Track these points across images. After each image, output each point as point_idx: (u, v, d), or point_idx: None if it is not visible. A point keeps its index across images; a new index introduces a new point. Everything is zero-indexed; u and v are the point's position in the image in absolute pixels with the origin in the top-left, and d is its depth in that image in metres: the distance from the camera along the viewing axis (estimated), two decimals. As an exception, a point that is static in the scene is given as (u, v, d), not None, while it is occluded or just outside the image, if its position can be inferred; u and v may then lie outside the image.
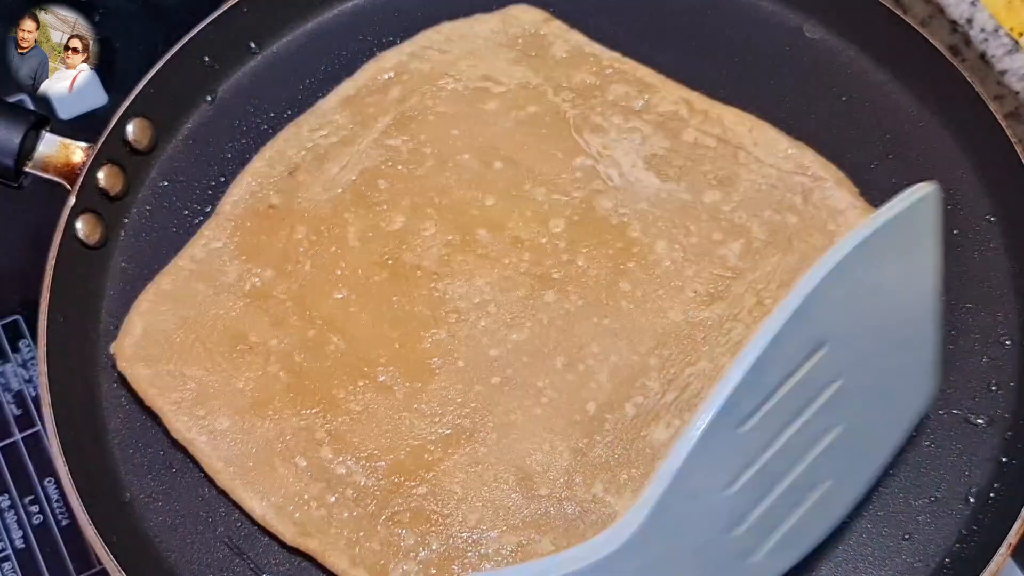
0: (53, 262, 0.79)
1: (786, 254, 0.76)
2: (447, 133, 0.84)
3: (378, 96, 0.86)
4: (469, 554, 0.69)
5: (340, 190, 0.82)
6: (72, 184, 0.81)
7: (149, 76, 0.86)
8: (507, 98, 0.85)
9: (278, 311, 0.77)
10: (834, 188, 0.78)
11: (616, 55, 0.86)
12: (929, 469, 0.73)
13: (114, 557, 0.70)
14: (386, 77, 0.87)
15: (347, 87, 0.87)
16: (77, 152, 0.82)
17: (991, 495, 0.72)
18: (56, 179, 0.82)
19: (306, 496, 0.71)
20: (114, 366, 0.78)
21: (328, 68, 0.90)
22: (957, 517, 0.71)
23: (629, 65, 0.85)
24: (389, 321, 0.77)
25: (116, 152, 0.84)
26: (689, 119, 0.82)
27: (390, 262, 0.79)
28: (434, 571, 0.69)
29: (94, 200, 0.83)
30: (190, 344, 0.77)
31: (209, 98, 0.90)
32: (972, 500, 0.72)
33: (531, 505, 0.71)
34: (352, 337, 0.76)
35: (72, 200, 0.81)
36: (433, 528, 0.70)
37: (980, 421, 0.74)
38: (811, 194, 0.78)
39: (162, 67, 0.86)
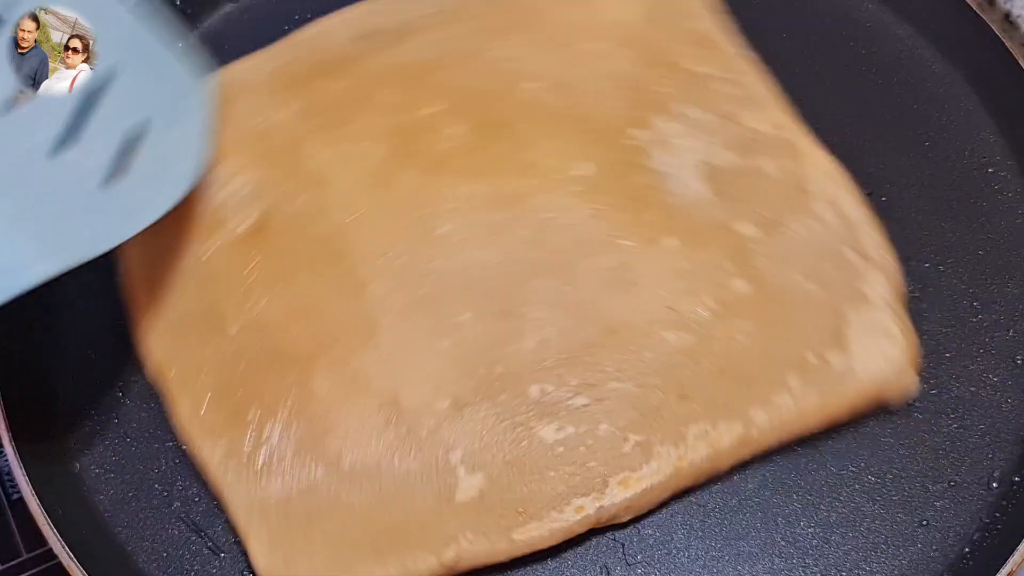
0: None
1: (785, 323, 0.68)
2: (531, 56, 0.78)
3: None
4: (299, 457, 0.66)
5: (400, 65, 0.78)
6: None
7: (116, 20, 0.81)
8: (610, 45, 0.78)
9: (270, 150, 0.75)
10: (878, 277, 0.69)
11: (745, 52, 0.79)
12: (949, 451, 0.68)
13: (58, 532, 0.65)
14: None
15: None
16: (27, 98, 0.78)
17: (1015, 480, 0.67)
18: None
19: (191, 336, 0.70)
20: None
21: (310, 18, 0.84)
22: (978, 503, 0.67)
23: (750, 67, 0.78)
24: (362, 191, 0.73)
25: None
26: (774, 147, 0.74)
27: (397, 138, 0.75)
28: (253, 466, 0.66)
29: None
30: None
31: (180, 45, 0.84)
32: (995, 485, 0.67)
33: (384, 436, 0.66)
34: (321, 196, 0.73)
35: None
36: (282, 419, 0.67)
37: (1005, 400, 0.69)
38: (849, 273, 0.69)
39: (131, 10, 0.81)
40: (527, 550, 0.64)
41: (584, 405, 0.66)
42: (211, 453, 0.67)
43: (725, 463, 0.66)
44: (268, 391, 0.68)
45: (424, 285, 0.69)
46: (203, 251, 0.72)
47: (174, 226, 0.73)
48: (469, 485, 0.64)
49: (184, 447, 0.69)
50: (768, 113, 0.76)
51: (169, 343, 0.70)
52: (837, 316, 0.68)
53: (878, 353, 0.67)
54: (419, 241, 0.71)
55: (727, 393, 0.66)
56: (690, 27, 0.80)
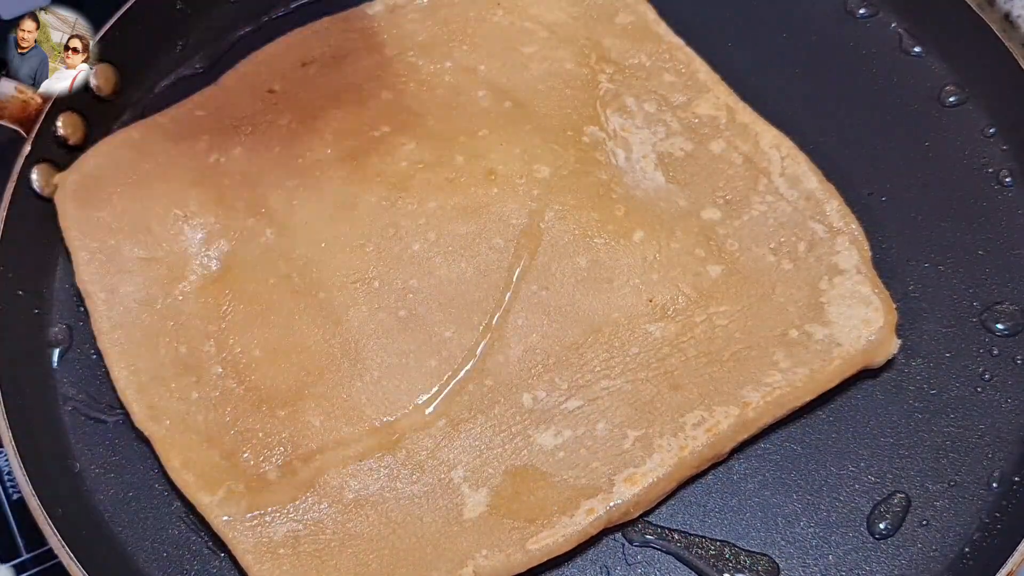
0: (4, 213, 0.74)
1: (763, 302, 0.69)
2: (473, 67, 0.79)
3: (422, 14, 0.82)
4: (301, 495, 0.65)
5: (342, 90, 0.78)
6: (28, 131, 0.77)
7: (114, 19, 0.81)
8: (548, 46, 0.79)
9: (228, 189, 0.75)
10: (846, 245, 0.70)
11: (679, 41, 0.79)
12: (949, 451, 0.67)
13: (58, 531, 0.65)
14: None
15: None
16: (34, 98, 0.77)
17: (1015, 480, 0.66)
18: (11, 126, 0.77)
19: (172, 385, 0.69)
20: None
21: (311, 15, 0.84)
22: (979, 503, 0.66)
23: (686, 55, 0.79)
24: (326, 219, 0.73)
25: (77, 99, 0.79)
26: (724, 129, 0.75)
27: (354, 162, 0.74)
28: (255, 509, 0.65)
29: (51, 149, 0.78)
30: (130, 196, 0.74)
31: (181, 44, 0.85)
32: (995, 485, 0.66)
33: (383, 463, 0.65)
34: (285, 230, 0.73)
35: (27, 148, 0.76)
36: (277, 458, 0.66)
37: (1005, 400, 0.68)
38: (818, 245, 0.71)
39: (129, 9, 0.81)
40: (543, 558, 0.63)
41: (578, 407, 0.66)
42: (210, 499, 0.66)
43: (726, 447, 0.66)
44: (260, 432, 0.67)
45: (404, 306, 0.69)
46: (172, 298, 0.71)
47: (140, 275, 0.72)
48: (475, 501, 0.64)
49: (182, 493, 0.67)
50: (711, 96, 0.77)
51: (151, 395, 0.69)
52: (813, 289, 0.69)
53: (858, 320, 0.68)
54: (393, 262, 0.71)
55: (718, 378, 0.67)
56: (619, 21, 0.81)
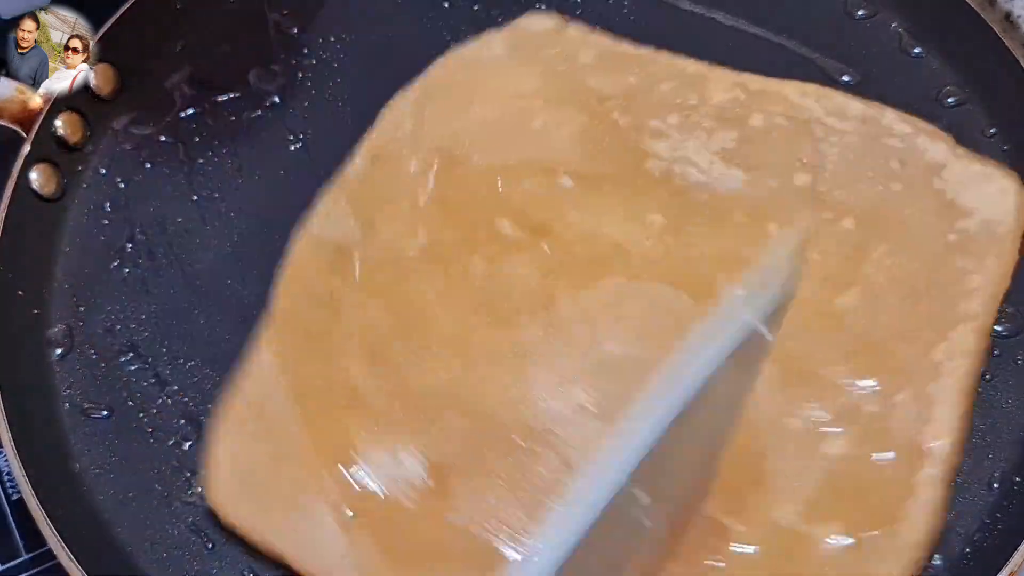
0: (4, 213, 0.74)
1: (903, 227, 0.69)
2: (503, 164, 0.74)
3: (411, 148, 0.76)
4: None
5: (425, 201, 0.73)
6: (27, 131, 0.77)
7: (114, 19, 0.81)
8: (551, 111, 0.76)
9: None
10: (928, 143, 0.71)
11: (650, 51, 0.79)
12: (949, 451, 0.67)
13: (58, 532, 0.65)
14: (408, 126, 0.77)
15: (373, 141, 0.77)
16: (34, 98, 0.78)
17: (1016, 480, 0.66)
18: (10, 126, 0.77)
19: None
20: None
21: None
22: (979, 504, 0.66)
23: (666, 59, 0.78)
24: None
25: (77, 99, 0.79)
26: (750, 104, 0.74)
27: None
28: None
29: (51, 149, 0.78)
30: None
31: (181, 44, 0.85)
32: (995, 486, 0.66)
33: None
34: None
35: (27, 148, 0.76)
36: None
37: (1005, 400, 0.68)
38: (907, 156, 0.70)
39: (129, 9, 0.81)
40: None
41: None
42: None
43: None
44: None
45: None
46: None
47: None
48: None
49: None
50: (715, 82, 0.76)
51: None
52: (935, 194, 0.70)
53: (993, 193, 0.70)
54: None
55: (931, 312, 0.67)
56: (583, 60, 0.78)
